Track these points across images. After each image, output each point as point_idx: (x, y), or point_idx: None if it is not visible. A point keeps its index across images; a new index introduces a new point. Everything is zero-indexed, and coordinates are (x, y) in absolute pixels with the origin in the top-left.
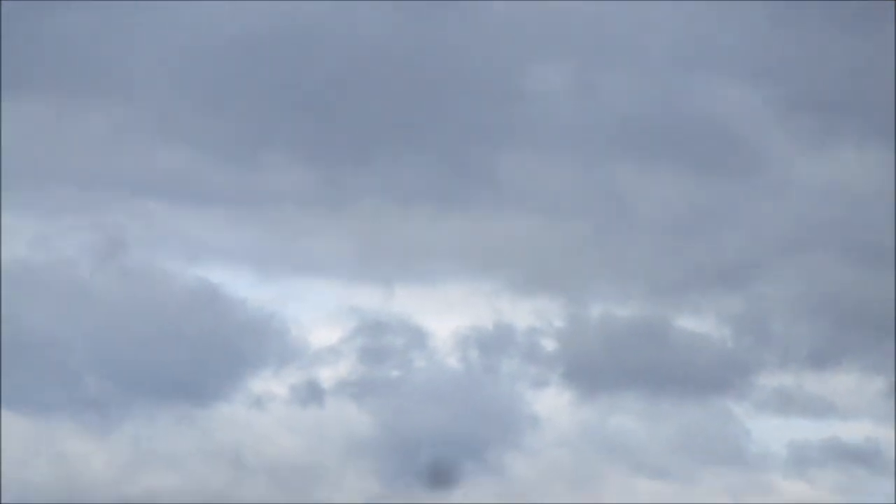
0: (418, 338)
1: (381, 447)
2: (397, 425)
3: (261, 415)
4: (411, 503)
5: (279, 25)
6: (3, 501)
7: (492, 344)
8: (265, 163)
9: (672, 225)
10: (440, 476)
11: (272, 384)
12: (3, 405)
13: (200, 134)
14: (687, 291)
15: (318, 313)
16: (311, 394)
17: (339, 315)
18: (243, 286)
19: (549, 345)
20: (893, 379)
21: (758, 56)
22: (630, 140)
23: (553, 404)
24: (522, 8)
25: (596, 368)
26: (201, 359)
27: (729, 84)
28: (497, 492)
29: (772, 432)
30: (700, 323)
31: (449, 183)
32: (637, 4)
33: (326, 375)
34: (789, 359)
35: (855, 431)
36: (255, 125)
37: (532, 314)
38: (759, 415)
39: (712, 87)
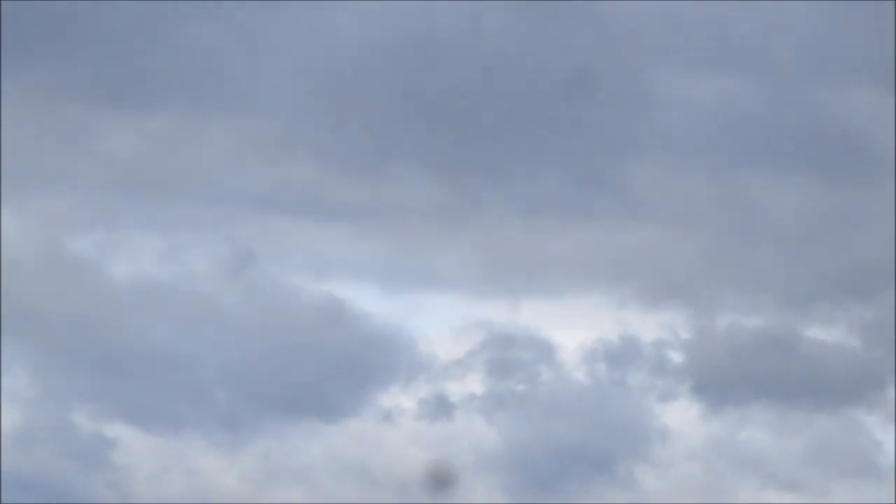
0: (545, 351)
1: (508, 461)
2: (525, 439)
3: (389, 429)
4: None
5: (404, 35)
6: None
7: (619, 357)
8: (390, 175)
9: (802, 233)
10: None
11: (401, 398)
12: (133, 422)
13: (326, 147)
14: (817, 301)
15: (444, 327)
16: (440, 408)
17: (465, 329)
18: (369, 300)
19: (677, 357)
20: None
21: (890, 58)
22: (760, 147)
23: (682, 417)
24: (649, 9)
25: (724, 380)
26: (330, 374)
27: (860, 88)
28: None
29: None
30: (830, 333)
31: (575, 193)
32: (764, 4)
33: (454, 389)
34: None
35: None
36: (380, 137)
37: (659, 326)
38: (891, 426)
39: (843, 91)
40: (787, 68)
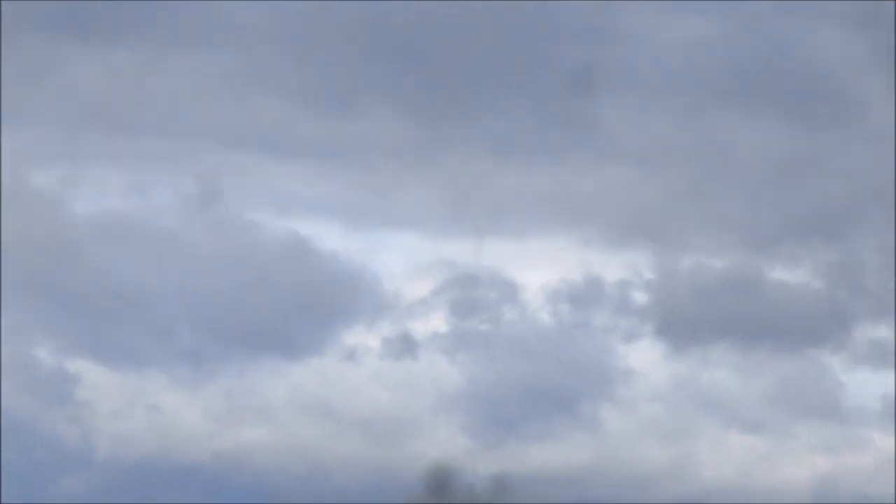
0: (509, 291)
1: (471, 400)
2: (488, 379)
3: (353, 368)
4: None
5: None
6: (98, 452)
7: (583, 297)
8: (357, 112)
9: (768, 174)
10: None
11: (364, 337)
12: (95, 358)
13: (292, 83)
14: (781, 242)
15: (408, 265)
16: (404, 347)
17: (429, 267)
18: (333, 238)
19: (641, 297)
20: None
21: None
22: (728, 88)
23: (645, 358)
24: None
25: (688, 321)
26: (293, 311)
27: (830, 29)
28: (590, 445)
29: (867, 386)
30: (795, 274)
31: (542, 132)
32: None
33: (418, 328)
34: (885, 310)
35: None
36: (347, 74)
37: (623, 266)
38: (854, 368)
39: (813, 32)
40: (757, 8)
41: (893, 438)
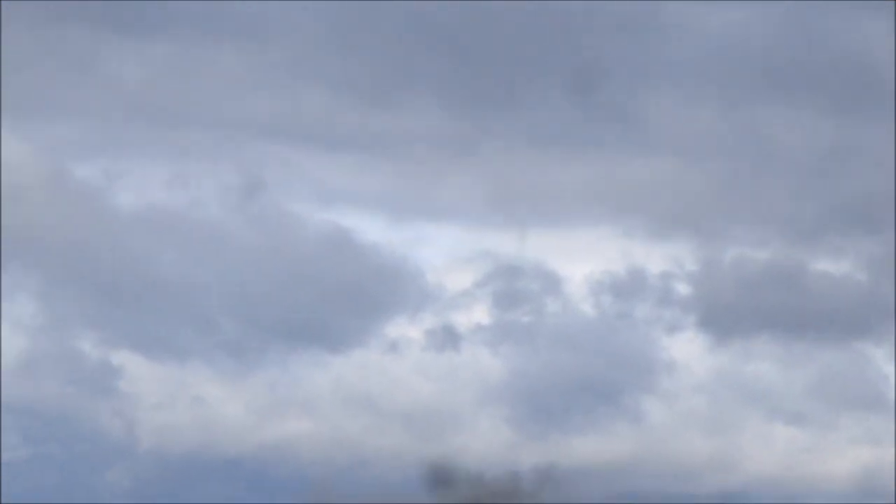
0: (552, 283)
1: (514, 392)
2: (530, 371)
3: (395, 360)
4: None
5: None
6: (141, 444)
7: (625, 288)
8: (399, 104)
9: (811, 166)
10: None
11: (407, 329)
12: (138, 350)
13: (335, 75)
14: (824, 234)
15: (451, 258)
16: (446, 339)
17: (472, 259)
18: (376, 230)
19: (683, 289)
20: None
21: None
22: (770, 79)
23: (687, 349)
24: None
25: (731, 313)
26: (336, 303)
27: (872, 21)
28: (633, 437)
29: None
30: (838, 266)
31: (584, 123)
32: None
33: (461, 320)
34: None
35: None
36: (389, 66)
37: (666, 258)
38: None
39: (855, 23)
40: None
41: None
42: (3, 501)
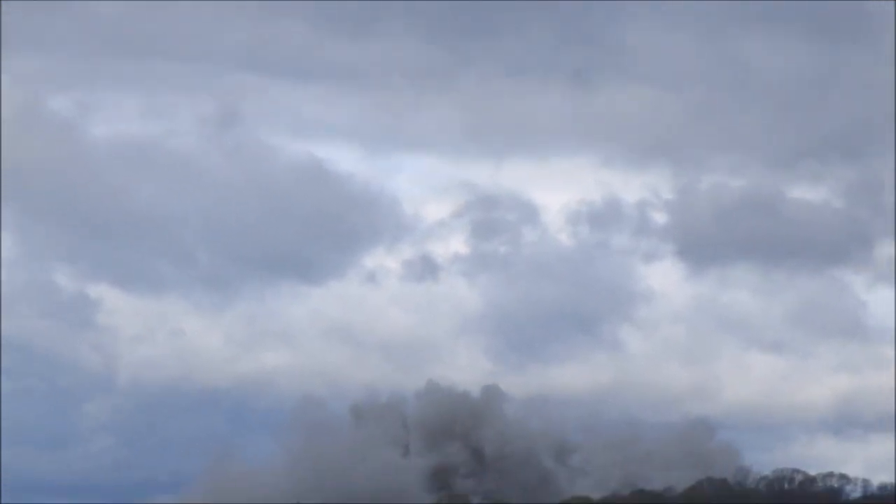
0: (529, 212)
1: (492, 322)
2: (509, 301)
3: (373, 290)
4: None
5: None
6: (120, 377)
7: (602, 218)
8: (375, 33)
9: (789, 93)
10: None
11: (385, 260)
12: (116, 283)
13: (310, 5)
14: (802, 161)
15: (427, 188)
16: (424, 269)
17: (449, 190)
18: (352, 160)
19: (660, 218)
20: None
21: None
22: (748, 7)
23: (665, 279)
24: None
25: (708, 241)
26: (313, 235)
27: None
28: (611, 366)
29: (889, 304)
30: (815, 193)
31: (560, 53)
32: None
33: (438, 251)
34: None
35: None
36: None
37: (643, 187)
38: (876, 287)
39: None
40: None
41: None
42: None
